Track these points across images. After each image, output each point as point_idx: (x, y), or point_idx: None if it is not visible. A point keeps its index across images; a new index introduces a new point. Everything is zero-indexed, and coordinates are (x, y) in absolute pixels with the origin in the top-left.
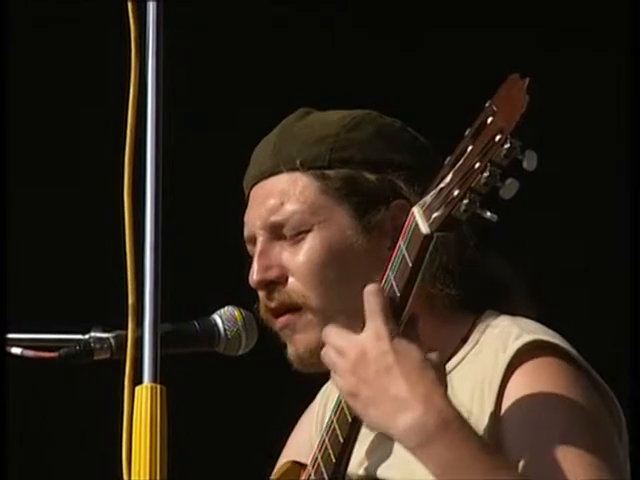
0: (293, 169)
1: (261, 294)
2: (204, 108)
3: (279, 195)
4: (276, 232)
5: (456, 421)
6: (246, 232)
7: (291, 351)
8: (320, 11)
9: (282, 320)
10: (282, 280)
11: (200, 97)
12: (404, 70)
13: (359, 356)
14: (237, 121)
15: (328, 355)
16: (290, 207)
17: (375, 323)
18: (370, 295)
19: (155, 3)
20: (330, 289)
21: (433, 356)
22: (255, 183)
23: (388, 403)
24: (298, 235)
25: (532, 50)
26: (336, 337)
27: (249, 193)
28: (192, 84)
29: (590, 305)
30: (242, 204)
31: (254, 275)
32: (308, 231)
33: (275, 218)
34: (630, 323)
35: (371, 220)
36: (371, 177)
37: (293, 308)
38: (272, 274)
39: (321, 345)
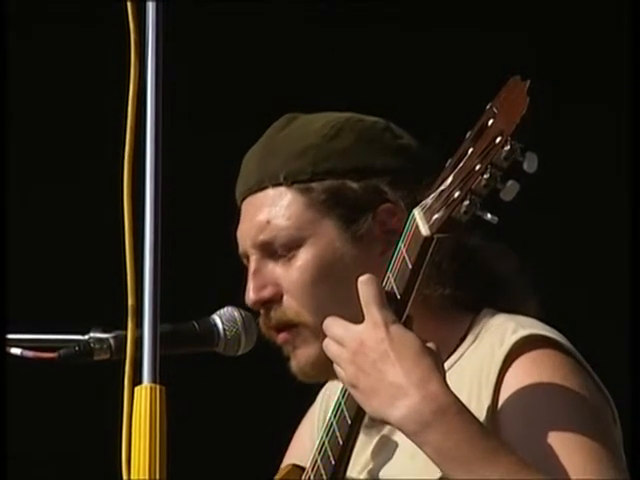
0: (277, 184)
1: (261, 312)
2: (204, 108)
3: (266, 212)
4: (267, 250)
5: (453, 407)
6: (240, 248)
7: (294, 365)
8: (320, 11)
9: (282, 337)
10: (277, 298)
11: (200, 97)
12: (404, 70)
13: (357, 346)
14: (237, 121)
15: (329, 346)
16: (277, 225)
17: (371, 312)
18: (363, 285)
19: (155, 3)
20: (324, 304)
21: (430, 344)
22: (244, 197)
23: (386, 390)
24: (289, 252)
25: (531, 51)
26: (336, 328)
27: (240, 206)
28: (192, 84)
29: (590, 305)
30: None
31: (250, 294)
32: (298, 247)
33: (263, 237)
34: (630, 323)
35: (359, 229)
36: (355, 185)
37: (290, 325)
38: (267, 293)
39: (321, 357)
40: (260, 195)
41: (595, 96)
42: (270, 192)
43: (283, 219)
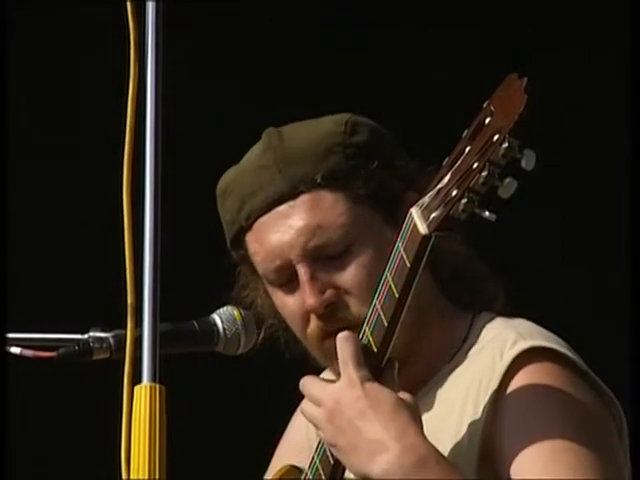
0: (313, 187)
1: (315, 319)
2: (204, 107)
3: (311, 216)
4: (319, 254)
5: (432, 457)
6: (276, 262)
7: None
8: (321, 10)
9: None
10: (338, 299)
11: (200, 97)
12: (401, 69)
13: (334, 405)
14: (237, 120)
15: (305, 407)
16: (329, 226)
17: (347, 370)
18: (341, 342)
19: (154, 3)
20: None
21: (406, 396)
22: (265, 212)
23: (365, 447)
24: (344, 251)
25: (530, 49)
26: (312, 389)
27: (252, 224)
28: (192, 84)
29: (590, 305)
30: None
31: (311, 300)
32: (351, 245)
33: (316, 242)
34: (630, 323)
35: (398, 217)
36: (387, 175)
37: (352, 325)
38: (329, 295)
39: None
40: (293, 203)
41: (595, 95)
42: (305, 197)
43: (333, 219)
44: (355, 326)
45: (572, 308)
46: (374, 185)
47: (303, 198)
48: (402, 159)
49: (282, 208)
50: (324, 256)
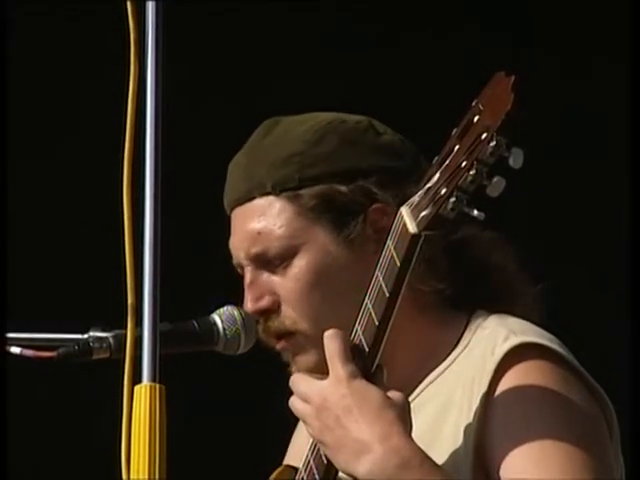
0: (265, 193)
1: (260, 320)
2: (205, 107)
3: (256, 223)
4: (261, 261)
5: (415, 458)
6: (234, 260)
7: (293, 370)
8: (321, 11)
9: (281, 344)
10: (275, 307)
11: (200, 96)
12: (401, 69)
13: (321, 402)
14: (237, 119)
15: (294, 403)
16: (268, 235)
17: (334, 367)
18: (328, 340)
19: (154, 3)
20: (321, 311)
21: (395, 394)
22: (233, 208)
23: (350, 446)
24: (283, 261)
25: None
26: (301, 385)
27: (230, 216)
28: (193, 83)
29: (590, 304)
30: None
31: (248, 305)
32: (292, 255)
33: (256, 249)
34: (630, 323)
35: (351, 231)
36: (343, 189)
37: (288, 333)
38: (264, 303)
39: (320, 364)
40: (249, 205)
41: (595, 96)
42: (259, 202)
43: (274, 229)
44: (291, 333)
45: (571, 308)
46: (326, 199)
47: (255, 203)
48: (378, 171)
49: (240, 209)
50: (266, 262)
